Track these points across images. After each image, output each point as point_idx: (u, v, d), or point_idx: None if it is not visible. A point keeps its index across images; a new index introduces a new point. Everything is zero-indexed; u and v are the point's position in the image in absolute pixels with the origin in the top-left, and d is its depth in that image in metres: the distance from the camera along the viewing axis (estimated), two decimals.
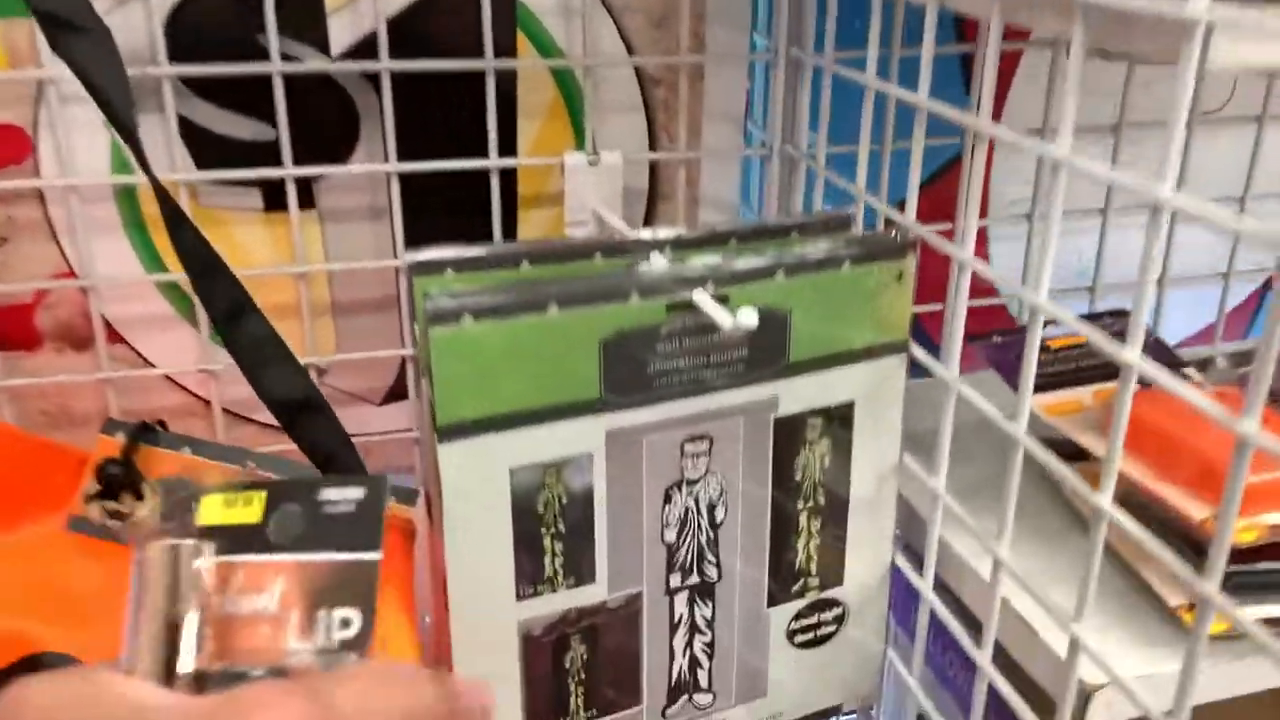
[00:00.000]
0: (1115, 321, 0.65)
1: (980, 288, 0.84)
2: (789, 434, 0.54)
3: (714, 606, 0.56)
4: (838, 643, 0.60)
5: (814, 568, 0.57)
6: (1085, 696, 0.47)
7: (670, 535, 0.53)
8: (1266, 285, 0.94)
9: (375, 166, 0.65)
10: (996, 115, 0.79)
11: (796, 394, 0.53)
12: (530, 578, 0.50)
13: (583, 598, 0.52)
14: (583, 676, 0.54)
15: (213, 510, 0.32)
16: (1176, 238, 0.81)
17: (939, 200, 0.78)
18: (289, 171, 0.63)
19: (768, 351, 0.51)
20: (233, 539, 0.31)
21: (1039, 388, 0.60)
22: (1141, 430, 0.53)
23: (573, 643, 0.53)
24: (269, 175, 0.63)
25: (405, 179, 0.65)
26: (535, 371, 0.46)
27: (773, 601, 0.57)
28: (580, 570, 0.51)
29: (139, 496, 0.56)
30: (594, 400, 0.48)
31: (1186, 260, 0.83)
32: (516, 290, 0.45)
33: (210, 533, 0.31)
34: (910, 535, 0.60)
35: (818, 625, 0.59)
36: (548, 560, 0.50)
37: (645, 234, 0.53)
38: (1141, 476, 0.52)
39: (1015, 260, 0.82)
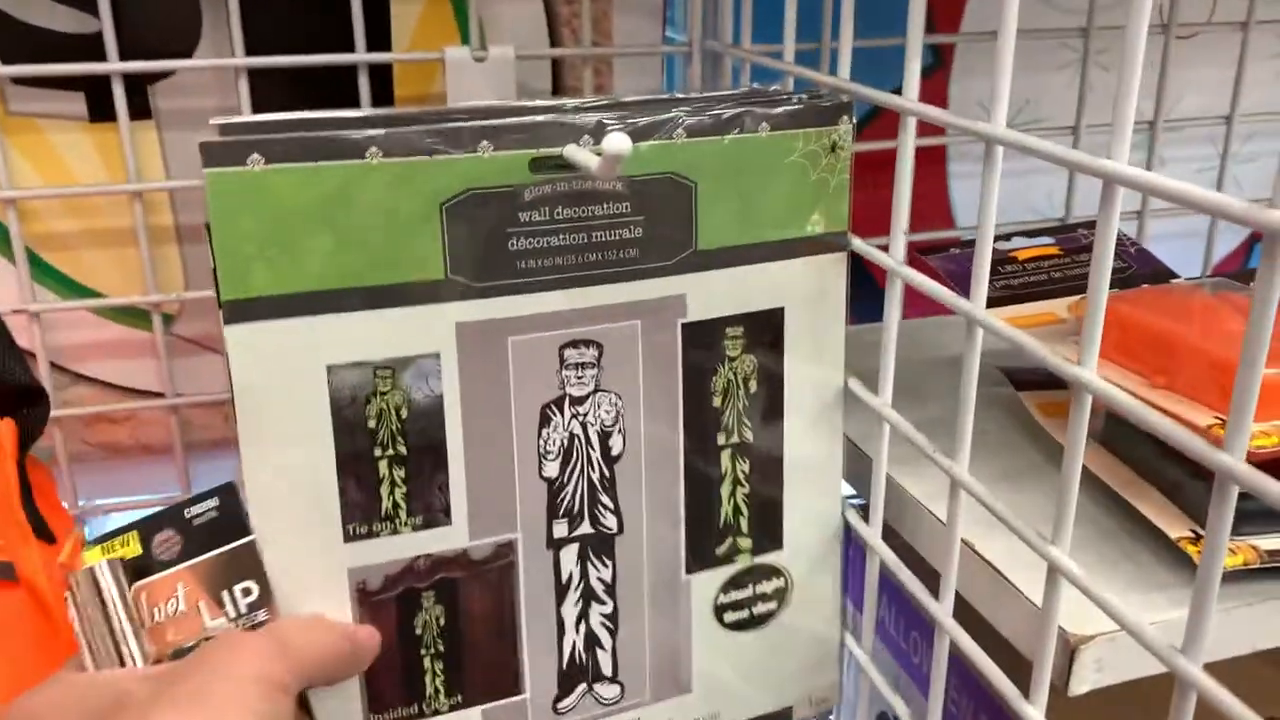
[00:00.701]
0: (1091, 232, 0.56)
1: (936, 215, 0.75)
2: (702, 346, 0.43)
3: (614, 567, 0.44)
4: (781, 626, 0.48)
5: (744, 524, 0.46)
6: (1070, 652, 0.37)
7: (551, 468, 0.42)
8: (1255, 236, 0.86)
9: (219, 61, 0.55)
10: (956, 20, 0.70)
11: (709, 294, 0.43)
12: (362, 512, 0.39)
13: (435, 542, 0.41)
14: (440, 648, 0.42)
15: (94, 558, 0.36)
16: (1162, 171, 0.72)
17: (889, 128, 0.69)
18: (115, 67, 0.53)
19: (670, 233, 0.42)
20: (133, 571, 0.36)
21: (1006, 300, 0.51)
22: (1129, 334, 0.44)
23: (424, 601, 0.41)
24: (92, 70, 0.53)
25: (257, 78, 0.55)
26: (355, 238, 0.36)
27: (693, 566, 0.46)
28: (430, 506, 0.40)
29: None
30: (437, 283, 0.38)
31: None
32: (325, 126, 0.35)
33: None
34: (862, 489, 0.51)
35: (753, 600, 0.48)
36: (385, 490, 0.39)
37: (529, 103, 0.43)
38: (1132, 384, 0.42)
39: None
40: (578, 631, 0.44)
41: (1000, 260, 0.53)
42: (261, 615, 0.35)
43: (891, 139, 0.65)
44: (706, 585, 0.46)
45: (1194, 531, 0.40)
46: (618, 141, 0.35)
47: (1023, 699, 0.36)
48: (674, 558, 0.45)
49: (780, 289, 0.44)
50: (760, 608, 0.48)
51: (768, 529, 0.47)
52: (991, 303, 0.50)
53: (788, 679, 0.49)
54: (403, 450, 0.39)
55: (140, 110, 0.56)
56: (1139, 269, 0.53)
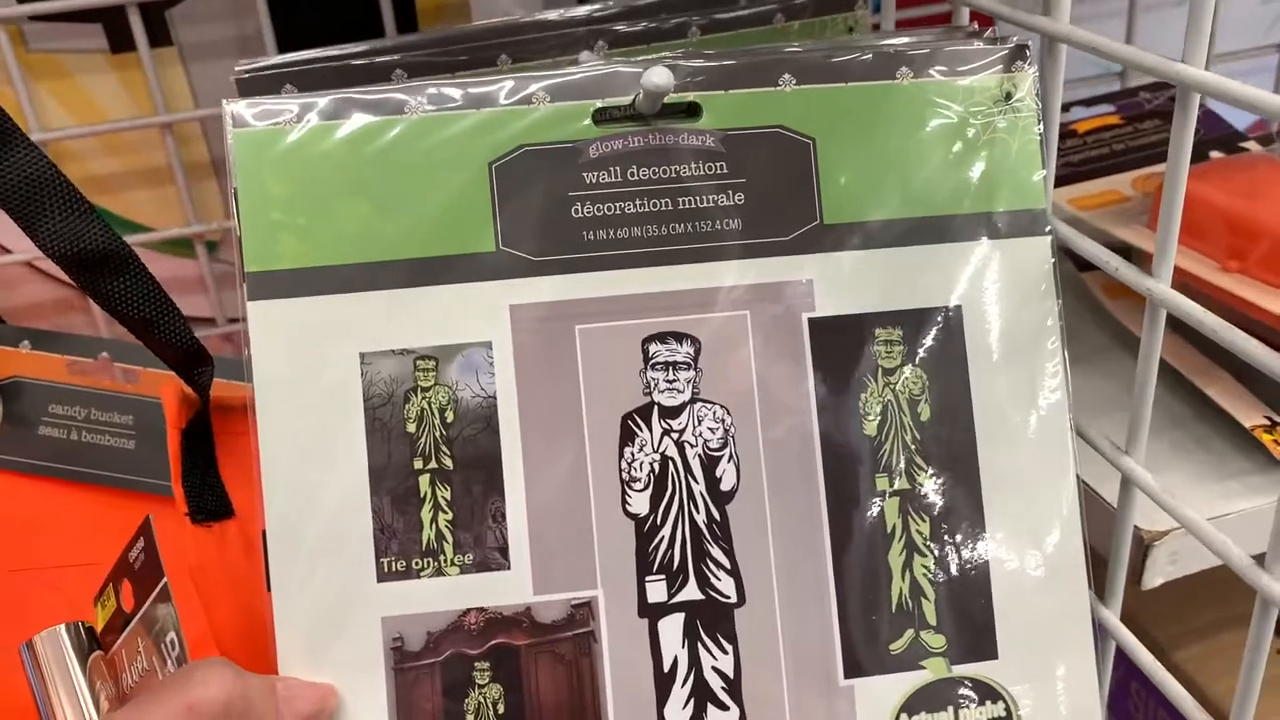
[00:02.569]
0: (1154, 96, 0.53)
1: None
2: (842, 352, 0.34)
3: (736, 654, 0.33)
4: None
5: (929, 611, 0.34)
6: (1144, 548, 0.37)
7: (638, 502, 0.33)
8: None
9: None
10: None
11: (846, 281, 0.34)
12: (399, 543, 0.32)
13: (490, 592, 0.32)
14: None
15: (99, 619, 0.34)
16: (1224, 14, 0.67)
17: None
18: None
19: (783, 200, 0.34)
20: (116, 630, 0.33)
21: (1067, 179, 0.49)
22: (1199, 214, 0.42)
23: (477, 675, 0.32)
24: (105, 1, 0.51)
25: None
26: (392, 205, 0.33)
27: (855, 666, 0.33)
28: (482, 540, 0.33)
29: None
30: (487, 256, 0.33)
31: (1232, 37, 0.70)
32: (354, 72, 0.33)
33: (101, 636, 0.34)
34: None
35: None
36: (427, 514, 0.33)
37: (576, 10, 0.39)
38: (1203, 269, 0.41)
39: None
40: None
41: (1059, 135, 0.51)
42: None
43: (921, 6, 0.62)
44: (879, 698, 0.33)
45: (1269, 419, 0.40)
46: (656, 76, 0.31)
47: (1098, 601, 0.36)
48: (825, 649, 0.33)
49: (953, 282, 0.34)
50: None
51: (969, 623, 0.34)
52: None
53: None
54: (448, 464, 0.33)
55: (161, 39, 0.55)
56: (1207, 133, 0.50)
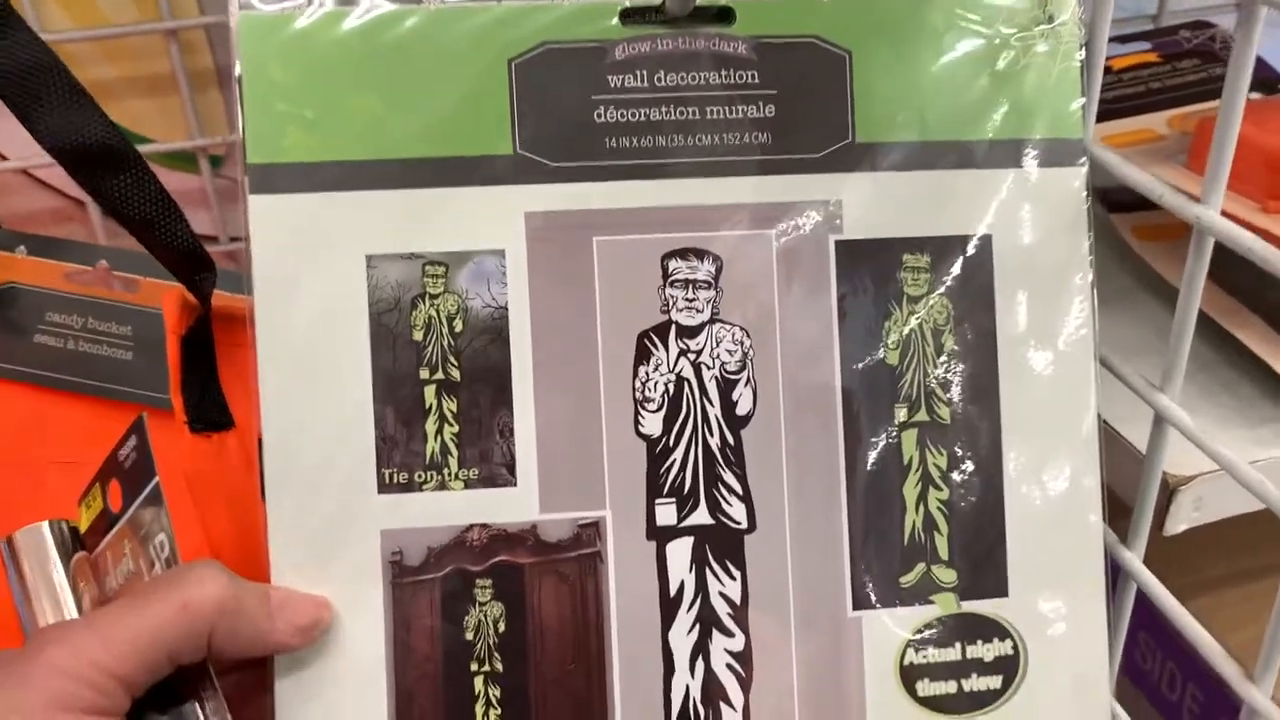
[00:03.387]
0: (1195, 35, 0.52)
1: None
2: (867, 276, 0.33)
3: (744, 580, 0.33)
4: (1009, 717, 0.34)
5: (942, 546, 0.33)
6: (1168, 493, 0.36)
7: (651, 423, 0.32)
8: None
9: None
10: None
11: (876, 204, 0.33)
12: (402, 454, 0.31)
13: (494, 509, 0.31)
14: (499, 665, 0.32)
15: (83, 519, 0.33)
16: None
17: None
18: None
19: (815, 116, 0.32)
20: (100, 531, 0.32)
21: (1100, 116, 0.47)
22: (1238, 153, 0.41)
23: (479, 593, 0.31)
24: None
25: None
26: (406, 100, 0.31)
27: (864, 598, 0.33)
28: (488, 455, 0.31)
29: None
30: (504, 159, 0.31)
31: None
32: None
33: (85, 538, 0.33)
34: None
35: (963, 669, 0.33)
36: (431, 426, 0.31)
37: None
38: (1241, 209, 0.40)
39: None
40: (693, 673, 0.32)
41: None
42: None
43: None
44: (886, 631, 0.33)
45: None
46: None
47: (1120, 544, 0.35)
48: (834, 580, 0.33)
49: (985, 209, 0.33)
50: (976, 683, 0.33)
51: (981, 560, 0.33)
52: None
53: None
54: (455, 375, 0.31)
55: None
56: None
